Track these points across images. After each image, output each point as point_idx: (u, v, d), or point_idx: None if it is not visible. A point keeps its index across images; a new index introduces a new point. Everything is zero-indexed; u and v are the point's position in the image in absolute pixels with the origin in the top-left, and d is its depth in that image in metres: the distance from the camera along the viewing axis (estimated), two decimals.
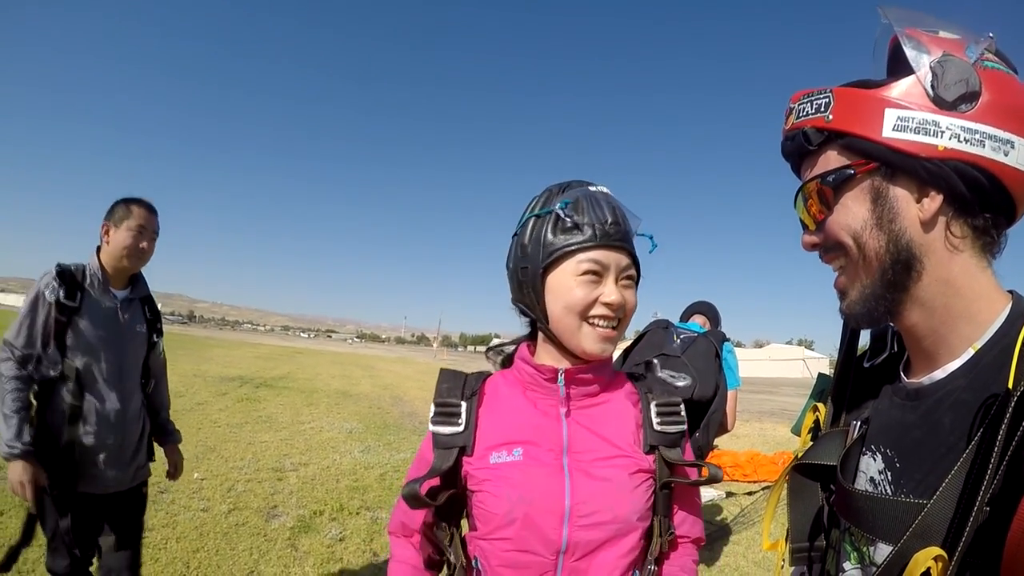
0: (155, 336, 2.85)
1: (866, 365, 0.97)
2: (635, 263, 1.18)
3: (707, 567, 4.91)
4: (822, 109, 0.82)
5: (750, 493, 7.42)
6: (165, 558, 4.22)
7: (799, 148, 0.86)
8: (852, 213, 0.81)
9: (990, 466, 0.61)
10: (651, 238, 1.22)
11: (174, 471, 3.08)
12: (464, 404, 1.20)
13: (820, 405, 1.02)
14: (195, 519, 5.04)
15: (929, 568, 0.63)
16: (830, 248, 0.86)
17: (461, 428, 1.18)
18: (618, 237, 1.13)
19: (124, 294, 2.68)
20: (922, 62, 0.76)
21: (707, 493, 7.01)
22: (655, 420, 1.21)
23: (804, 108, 0.85)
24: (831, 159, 0.83)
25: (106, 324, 2.57)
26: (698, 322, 3.58)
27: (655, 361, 1.24)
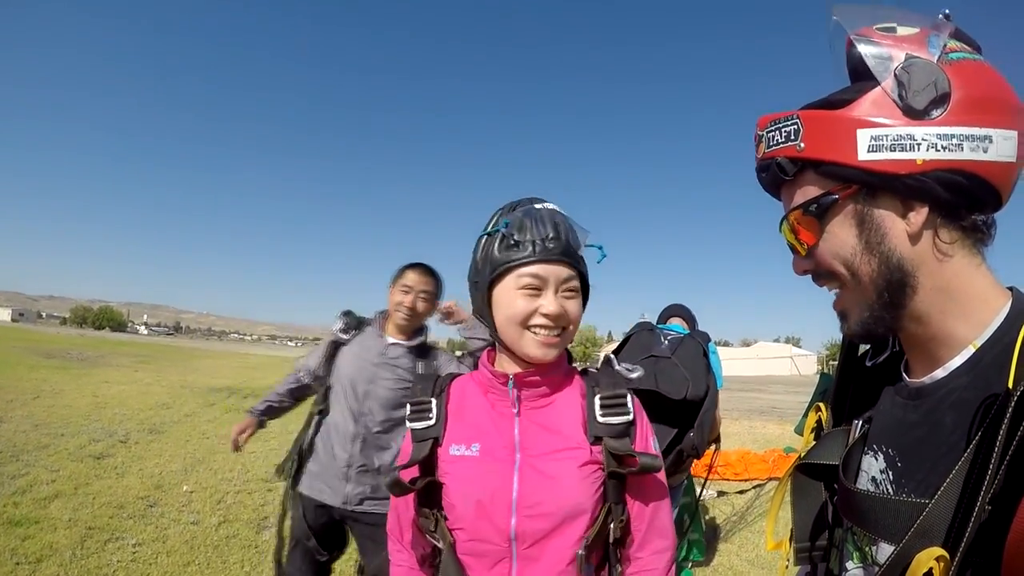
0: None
1: (868, 364, 0.96)
2: (580, 275, 1.27)
3: (702, 568, 4.92)
4: (792, 137, 0.80)
5: (741, 492, 7.46)
6: (156, 573, 4.19)
7: (774, 179, 0.86)
8: (840, 240, 0.80)
9: (991, 466, 0.61)
10: (600, 248, 1.30)
11: None
12: (434, 400, 1.33)
13: (823, 405, 1.02)
14: (185, 532, 4.99)
15: (931, 568, 0.63)
16: (823, 275, 0.86)
17: (433, 421, 1.31)
18: (557, 251, 1.21)
19: (395, 340, 3.06)
20: (885, 70, 0.75)
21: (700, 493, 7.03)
22: (599, 412, 1.28)
23: (773, 136, 0.83)
24: (809, 187, 0.82)
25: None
26: (678, 323, 3.61)
27: (611, 356, 1.30)
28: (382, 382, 2.93)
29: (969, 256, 0.77)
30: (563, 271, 1.22)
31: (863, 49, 0.77)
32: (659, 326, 3.14)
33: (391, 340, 3.02)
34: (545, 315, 1.20)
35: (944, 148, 0.72)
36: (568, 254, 1.23)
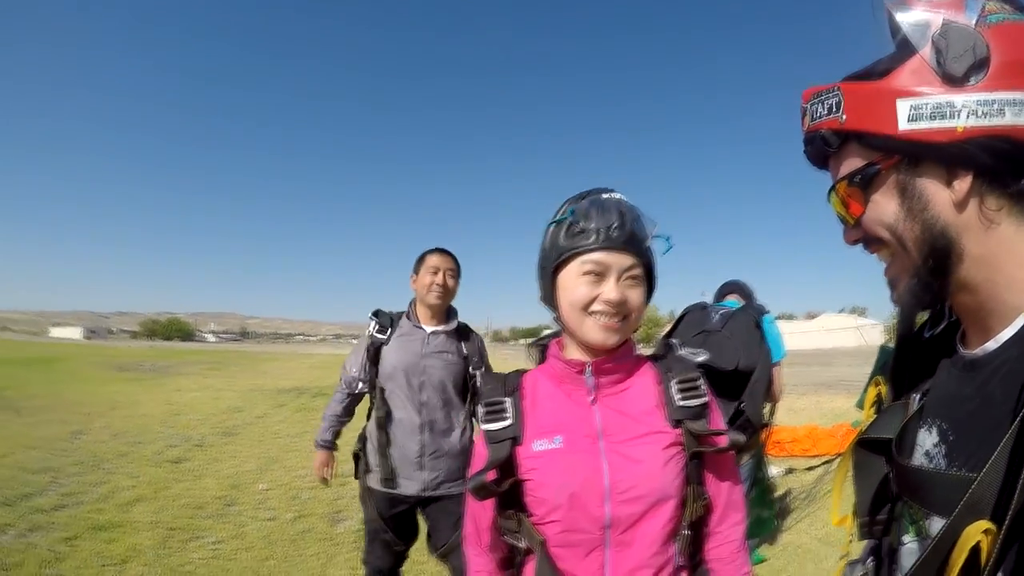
0: (471, 367, 3.26)
1: (926, 335, 0.95)
2: (644, 264, 1.29)
3: (770, 546, 4.86)
4: (834, 109, 0.81)
5: (811, 468, 7.29)
6: (236, 568, 4.35)
7: (820, 152, 0.86)
8: (883, 208, 0.80)
9: None
10: (668, 239, 1.33)
11: None
12: (508, 400, 1.33)
13: (881, 378, 1.01)
14: (262, 528, 5.17)
15: (979, 542, 0.63)
16: (871, 242, 0.86)
17: (510, 421, 1.31)
18: (620, 240, 1.24)
19: (434, 327, 3.20)
20: (923, 37, 0.74)
21: (769, 471, 6.93)
22: (676, 396, 1.31)
23: (817, 109, 0.84)
24: (854, 158, 0.82)
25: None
26: (734, 299, 3.58)
27: (674, 341, 1.34)
28: (433, 371, 3.08)
29: (1017, 223, 0.75)
30: (626, 259, 1.25)
31: (900, 17, 0.76)
32: (716, 303, 3.12)
33: (430, 329, 3.17)
34: (606, 301, 1.23)
35: (985, 114, 0.71)
36: (632, 243, 1.25)
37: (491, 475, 1.26)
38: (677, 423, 1.29)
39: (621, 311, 1.25)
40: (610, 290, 1.23)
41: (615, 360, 1.32)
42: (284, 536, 5.00)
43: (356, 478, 3.18)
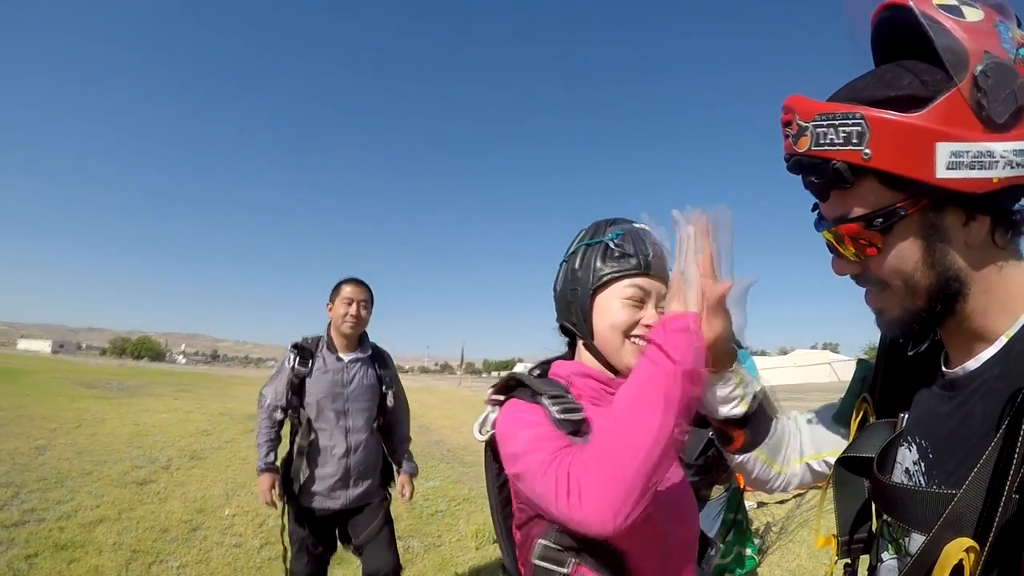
0: (384, 387, 3.51)
1: (910, 353, 0.94)
2: None
3: None
4: (855, 140, 0.71)
5: (781, 502, 7.31)
6: None
7: (829, 183, 0.77)
8: (903, 256, 0.76)
9: (1015, 455, 0.61)
10: None
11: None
12: (571, 396, 1.24)
13: (869, 397, 0.99)
14: (228, 555, 5.08)
15: (962, 560, 0.63)
16: (871, 282, 0.83)
17: (583, 415, 1.19)
18: (659, 268, 1.26)
19: (351, 355, 3.41)
20: (963, 69, 0.68)
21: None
22: None
23: (827, 135, 0.74)
24: (871, 195, 0.75)
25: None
26: None
27: None
28: (356, 399, 3.35)
29: (1013, 251, 0.76)
30: (662, 287, 1.27)
31: (936, 36, 0.69)
32: None
33: (348, 358, 3.39)
34: (647, 326, 1.23)
35: (1019, 165, 0.68)
36: (666, 272, 1.27)
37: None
38: None
39: None
40: (651, 316, 1.24)
41: None
42: (250, 563, 4.91)
43: (281, 496, 3.27)
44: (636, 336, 1.24)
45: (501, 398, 1.27)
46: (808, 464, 1.14)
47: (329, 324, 3.44)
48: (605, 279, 1.26)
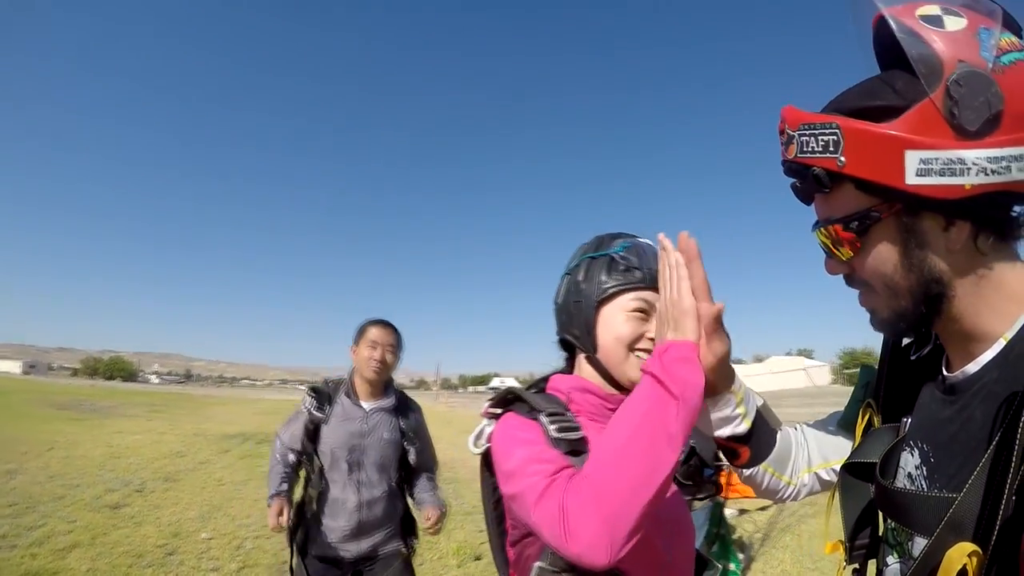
0: (406, 443, 3.19)
1: (912, 358, 0.95)
2: None
3: None
4: (831, 148, 0.76)
5: (763, 509, 7.36)
6: None
7: (810, 188, 0.83)
8: (881, 258, 0.79)
9: (1014, 458, 0.61)
10: None
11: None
12: (570, 414, 1.21)
13: (873, 403, 1.00)
14: None
15: (965, 565, 0.63)
16: (857, 280, 0.85)
17: (582, 434, 1.16)
18: None
19: (373, 404, 3.12)
20: (936, 79, 0.70)
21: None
22: None
23: (808, 143, 0.79)
24: (849, 199, 0.79)
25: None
26: None
27: None
28: (372, 451, 3.04)
29: (1004, 257, 0.77)
30: None
31: (909, 48, 0.72)
32: None
33: (369, 407, 3.10)
34: (652, 339, 1.19)
35: (994, 172, 0.69)
36: None
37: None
38: None
39: None
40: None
41: None
42: None
43: (291, 545, 3.07)
44: (640, 349, 1.22)
45: (498, 411, 1.24)
46: (816, 474, 1.15)
47: (352, 369, 3.17)
48: (610, 291, 1.23)
